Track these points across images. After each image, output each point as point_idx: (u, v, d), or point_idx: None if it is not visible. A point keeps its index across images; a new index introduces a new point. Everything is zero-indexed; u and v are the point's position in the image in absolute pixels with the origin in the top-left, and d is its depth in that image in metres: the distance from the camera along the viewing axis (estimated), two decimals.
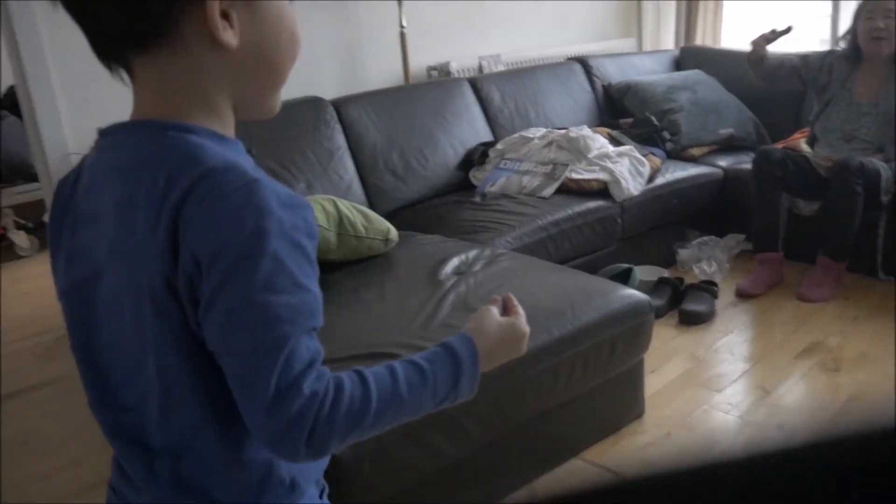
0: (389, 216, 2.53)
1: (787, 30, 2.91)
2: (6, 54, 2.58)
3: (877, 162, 2.78)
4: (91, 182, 0.74)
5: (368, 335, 1.75)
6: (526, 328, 0.86)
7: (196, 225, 0.65)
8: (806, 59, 3.09)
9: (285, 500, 0.77)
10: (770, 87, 3.21)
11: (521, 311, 0.87)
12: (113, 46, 0.69)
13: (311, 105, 2.74)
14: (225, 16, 0.68)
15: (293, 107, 2.68)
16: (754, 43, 3.02)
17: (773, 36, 2.96)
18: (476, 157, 2.98)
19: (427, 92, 3.09)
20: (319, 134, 2.69)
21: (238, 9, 0.69)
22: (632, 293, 1.99)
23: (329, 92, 2.94)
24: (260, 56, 0.72)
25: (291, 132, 2.64)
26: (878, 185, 2.74)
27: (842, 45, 3.05)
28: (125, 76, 0.72)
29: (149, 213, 0.67)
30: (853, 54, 2.97)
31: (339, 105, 2.82)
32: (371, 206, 2.60)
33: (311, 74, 3.05)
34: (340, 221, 2.16)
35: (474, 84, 3.21)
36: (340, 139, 2.75)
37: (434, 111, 3.01)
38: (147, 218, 0.67)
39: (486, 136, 3.12)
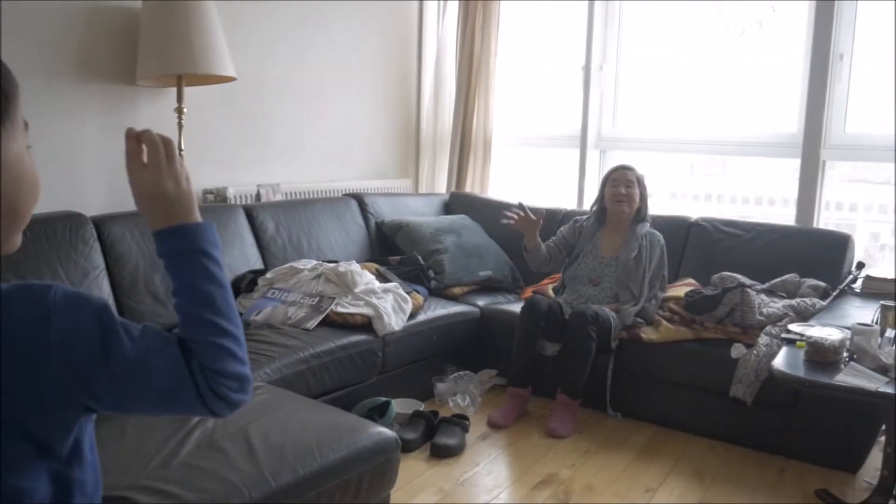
0: None
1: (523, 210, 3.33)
2: None
3: (608, 311, 3.17)
4: None
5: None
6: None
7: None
8: (564, 236, 3.52)
9: None
10: (546, 269, 3.56)
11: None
12: None
13: (69, 220, 2.63)
14: None
15: (49, 221, 2.56)
16: (525, 235, 3.37)
17: (528, 220, 3.33)
18: (244, 284, 2.99)
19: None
20: (76, 252, 2.58)
21: None
22: (380, 431, 2.07)
23: (94, 208, 2.85)
24: (2, 202, 0.76)
25: (44, 248, 2.51)
26: (609, 331, 3.12)
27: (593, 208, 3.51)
28: None
29: None
30: (601, 215, 3.44)
31: (100, 223, 2.73)
32: None
33: (75, 189, 2.95)
34: None
35: (249, 211, 3.27)
36: (98, 258, 2.65)
37: None
38: None
39: (257, 263, 3.16)
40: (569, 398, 3.11)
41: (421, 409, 2.99)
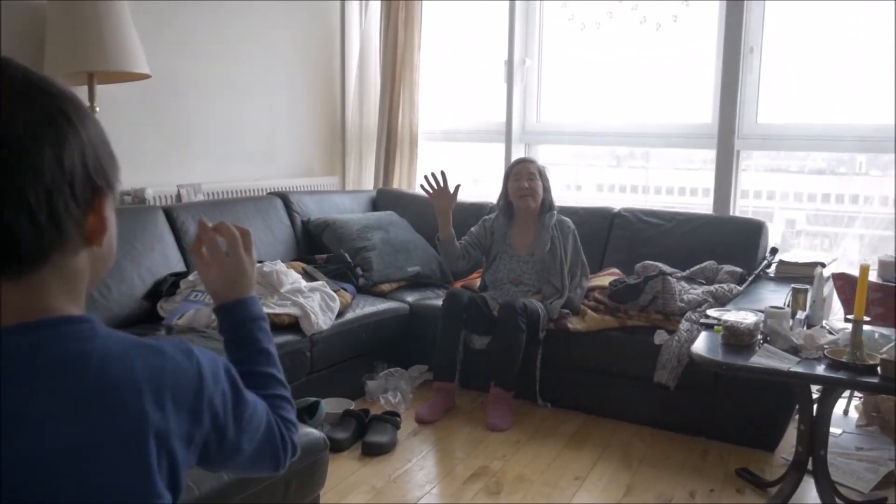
0: None
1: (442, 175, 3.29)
2: None
3: (536, 303, 3.21)
4: None
5: None
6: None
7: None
8: (476, 236, 3.48)
9: None
10: (461, 267, 3.50)
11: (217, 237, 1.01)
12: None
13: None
14: None
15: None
16: (439, 218, 3.30)
17: (444, 194, 3.28)
18: (165, 287, 2.91)
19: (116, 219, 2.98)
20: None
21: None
22: (308, 431, 2.04)
23: None
24: (111, 246, 0.81)
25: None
26: (537, 322, 3.16)
27: (499, 204, 3.52)
28: None
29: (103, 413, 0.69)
30: (508, 210, 3.46)
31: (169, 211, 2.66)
32: None
33: None
34: None
35: (169, 213, 3.17)
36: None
37: (122, 239, 2.87)
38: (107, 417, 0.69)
39: (179, 266, 3.07)
40: (503, 391, 3.14)
41: (351, 407, 2.97)
